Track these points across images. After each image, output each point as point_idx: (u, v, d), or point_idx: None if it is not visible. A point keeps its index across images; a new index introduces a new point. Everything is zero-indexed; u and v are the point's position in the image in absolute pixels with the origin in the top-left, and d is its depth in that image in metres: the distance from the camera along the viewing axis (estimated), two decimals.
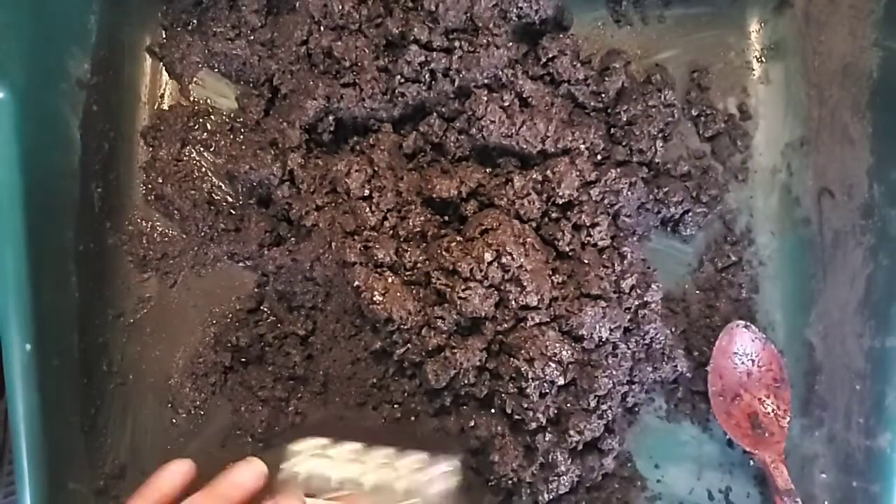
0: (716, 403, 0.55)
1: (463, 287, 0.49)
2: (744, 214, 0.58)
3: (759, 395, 0.55)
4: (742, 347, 0.56)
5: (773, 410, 0.55)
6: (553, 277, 0.51)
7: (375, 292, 0.50)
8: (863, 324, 0.51)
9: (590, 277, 0.51)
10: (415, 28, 0.52)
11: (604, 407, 0.52)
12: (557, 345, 0.49)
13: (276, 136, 0.54)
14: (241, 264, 0.57)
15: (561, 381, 0.50)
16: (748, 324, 0.56)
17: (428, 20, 0.52)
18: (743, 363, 0.56)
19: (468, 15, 0.52)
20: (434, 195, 0.53)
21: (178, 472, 0.41)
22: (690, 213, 0.56)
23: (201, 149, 0.57)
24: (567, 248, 0.52)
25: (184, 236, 0.57)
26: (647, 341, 0.54)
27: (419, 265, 0.52)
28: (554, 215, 0.53)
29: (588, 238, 0.52)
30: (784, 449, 0.54)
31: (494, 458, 0.51)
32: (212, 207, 0.57)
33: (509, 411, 0.51)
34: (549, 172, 0.52)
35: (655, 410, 0.57)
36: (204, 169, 0.57)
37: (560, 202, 0.52)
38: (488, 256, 0.49)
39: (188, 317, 0.57)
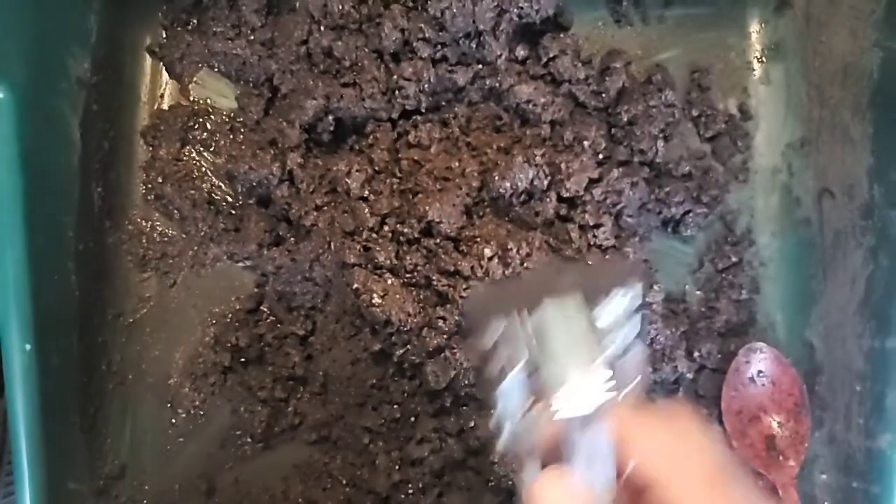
0: (730, 422, 0.54)
1: (464, 287, 0.49)
2: (744, 215, 0.58)
3: (779, 419, 0.54)
4: (764, 368, 0.55)
5: (791, 435, 0.54)
6: None
7: (374, 294, 0.50)
8: (863, 324, 0.51)
9: None
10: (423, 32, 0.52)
11: None
12: None
13: (276, 135, 0.54)
14: (240, 264, 0.57)
15: None
16: (768, 346, 0.55)
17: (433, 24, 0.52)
18: (763, 384, 0.54)
19: (473, 20, 0.52)
20: None
21: None
22: (691, 214, 0.56)
23: (201, 148, 0.57)
24: (573, 251, 0.52)
25: (183, 236, 0.57)
26: (647, 342, 0.54)
27: (419, 266, 0.52)
28: (562, 213, 0.53)
29: (593, 239, 0.52)
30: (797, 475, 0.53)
31: (494, 459, 0.51)
32: (211, 207, 0.57)
33: None
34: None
35: None
36: (204, 169, 0.57)
37: (566, 195, 0.52)
38: (488, 252, 0.49)
39: (188, 317, 0.57)
